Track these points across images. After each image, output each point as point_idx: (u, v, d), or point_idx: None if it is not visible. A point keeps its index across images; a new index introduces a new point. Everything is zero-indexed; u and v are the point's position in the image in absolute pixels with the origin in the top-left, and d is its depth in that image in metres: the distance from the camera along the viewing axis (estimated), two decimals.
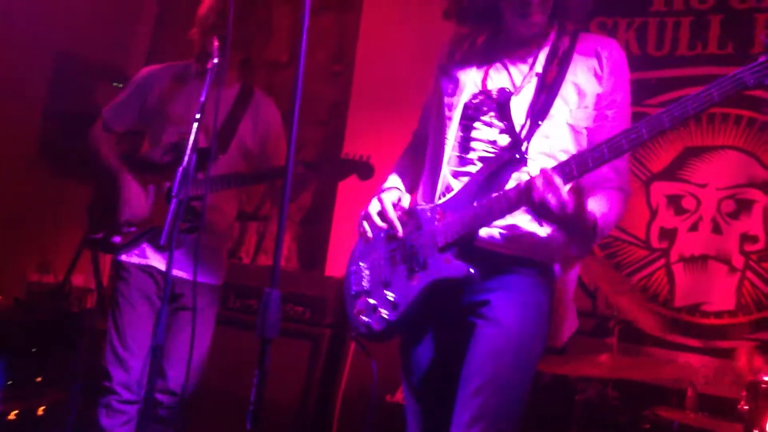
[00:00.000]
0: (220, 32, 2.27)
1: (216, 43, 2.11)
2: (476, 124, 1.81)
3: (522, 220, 1.76)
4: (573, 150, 1.77)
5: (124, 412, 2.51)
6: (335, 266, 3.93)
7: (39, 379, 3.42)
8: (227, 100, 2.66)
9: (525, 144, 1.73)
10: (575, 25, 1.85)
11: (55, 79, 4.18)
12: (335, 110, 4.22)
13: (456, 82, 1.87)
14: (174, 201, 1.79)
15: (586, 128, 1.78)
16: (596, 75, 1.78)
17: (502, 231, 1.77)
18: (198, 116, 1.94)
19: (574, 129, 1.78)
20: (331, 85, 4.24)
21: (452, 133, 1.83)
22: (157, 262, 2.57)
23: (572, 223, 1.61)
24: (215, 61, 2.07)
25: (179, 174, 1.83)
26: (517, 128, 1.76)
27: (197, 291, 2.26)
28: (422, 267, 1.75)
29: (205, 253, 2.63)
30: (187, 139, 2.47)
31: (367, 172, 2.65)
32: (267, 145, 2.75)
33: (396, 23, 4.15)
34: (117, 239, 2.50)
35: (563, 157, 1.69)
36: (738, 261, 3.21)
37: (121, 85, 3.35)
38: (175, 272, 2.44)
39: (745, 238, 3.24)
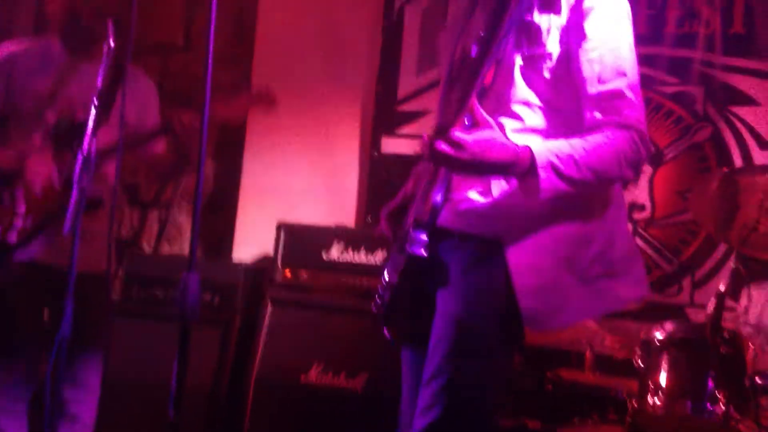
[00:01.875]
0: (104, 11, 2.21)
1: (110, 24, 2.04)
2: None
3: (471, 192, 1.63)
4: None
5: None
6: (243, 252, 3.89)
7: None
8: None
9: None
10: None
11: None
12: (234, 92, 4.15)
13: None
14: (76, 188, 1.72)
15: None
16: None
17: (455, 207, 1.64)
18: (96, 102, 1.86)
19: None
20: (230, 68, 4.17)
21: None
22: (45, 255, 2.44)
23: (483, 163, 1.42)
24: (111, 44, 2.00)
25: (79, 159, 1.75)
26: None
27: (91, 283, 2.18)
28: (408, 243, 1.60)
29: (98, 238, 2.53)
30: (71, 123, 2.38)
31: (269, 99, 2.56)
32: (145, 113, 2.66)
33: (294, 4, 4.12)
34: (12, 237, 2.37)
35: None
36: None
37: None
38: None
39: (634, 206, 3.46)
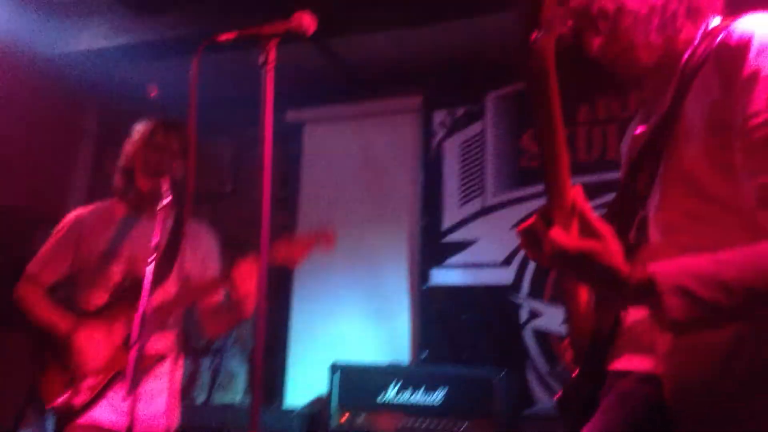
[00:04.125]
0: (159, 168, 2.31)
1: (167, 183, 2.13)
2: None
3: None
4: None
5: None
6: (295, 397, 3.79)
7: None
8: (164, 231, 2.61)
9: None
10: None
11: None
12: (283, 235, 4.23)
13: None
14: (135, 348, 1.71)
15: None
16: None
17: None
18: (152, 259, 1.90)
19: None
20: (277, 210, 4.27)
21: None
22: (107, 415, 2.41)
23: (584, 272, 1.10)
24: (166, 200, 2.07)
25: (138, 319, 1.76)
26: None
27: None
28: None
29: (160, 396, 2.50)
30: (134, 279, 2.42)
31: (328, 240, 2.54)
32: (206, 265, 2.69)
33: (335, 148, 4.27)
34: (78, 399, 2.35)
35: None
36: None
37: None
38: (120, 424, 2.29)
39: None
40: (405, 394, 3.15)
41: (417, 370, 3.31)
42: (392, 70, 4.08)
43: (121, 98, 4.42)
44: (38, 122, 4.32)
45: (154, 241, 2.13)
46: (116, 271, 2.52)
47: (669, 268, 1.06)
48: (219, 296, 2.59)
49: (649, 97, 1.33)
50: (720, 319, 1.08)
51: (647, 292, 1.04)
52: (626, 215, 1.26)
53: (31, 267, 2.60)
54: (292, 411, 3.50)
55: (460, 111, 4.07)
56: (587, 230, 1.11)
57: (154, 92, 4.23)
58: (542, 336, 3.57)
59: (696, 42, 1.24)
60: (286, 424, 3.35)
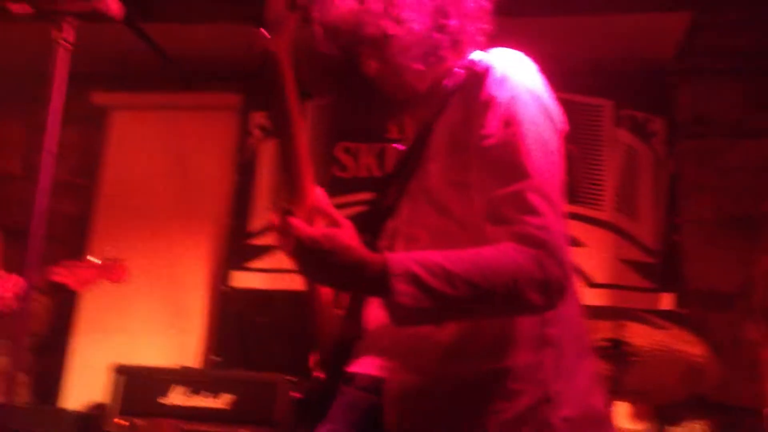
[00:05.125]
0: None
1: None
2: None
3: None
4: None
5: None
6: (72, 397, 3.55)
7: None
8: None
9: None
10: None
11: None
12: (76, 225, 3.98)
13: None
14: None
15: None
16: None
17: None
18: None
19: None
20: (72, 198, 4.00)
21: None
22: None
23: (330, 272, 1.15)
24: None
25: None
26: None
27: None
28: None
29: None
30: None
31: (118, 274, 2.45)
32: None
33: (144, 137, 4.08)
34: None
35: None
36: None
37: None
38: None
39: None
40: (190, 398, 3.07)
41: (205, 375, 3.23)
42: (212, 65, 3.97)
43: None
44: None
45: None
46: None
47: (401, 257, 1.13)
48: None
49: (417, 120, 1.42)
50: (446, 312, 1.14)
51: (381, 277, 1.09)
52: (374, 224, 1.33)
53: None
54: (67, 411, 3.28)
55: None
56: (330, 223, 1.24)
57: None
58: None
59: (456, 70, 1.34)
60: (58, 426, 3.13)
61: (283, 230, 1.20)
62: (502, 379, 1.17)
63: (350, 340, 1.31)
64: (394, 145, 1.50)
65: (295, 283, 3.97)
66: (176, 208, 3.91)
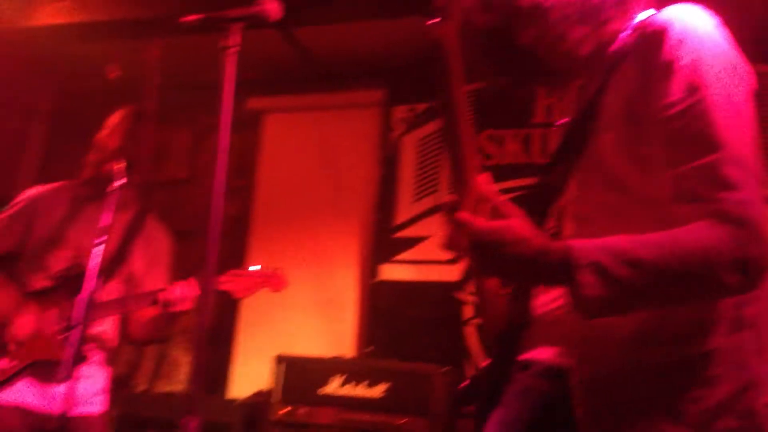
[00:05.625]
0: (124, 155, 2.29)
1: (122, 165, 2.10)
2: None
3: None
4: None
5: None
6: (239, 388, 3.77)
7: None
8: (120, 225, 2.57)
9: None
10: None
11: None
12: (236, 225, 4.20)
13: None
14: (75, 331, 1.68)
15: None
16: None
17: None
18: (100, 242, 1.87)
19: None
20: (232, 200, 4.23)
21: None
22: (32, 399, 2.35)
23: (512, 263, 1.08)
24: (119, 183, 2.04)
25: (80, 304, 1.72)
26: None
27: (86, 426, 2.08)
28: None
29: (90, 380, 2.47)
30: (81, 266, 2.38)
31: (278, 283, 2.58)
32: (151, 273, 2.65)
33: (294, 138, 4.26)
34: None
35: None
36: None
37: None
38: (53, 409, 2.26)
39: None
40: (347, 387, 3.16)
41: (360, 364, 3.31)
42: (356, 63, 4.07)
43: (78, 78, 4.33)
44: None
45: (103, 222, 2.09)
46: (62, 257, 2.46)
47: (585, 245, 1.04)
48: (151, 310, 2.48)
49: (581, 88, 1.32)
50: (635, 302, 1.06)
51: (562, 267, 1.03)
52: (540, 206, 1.25)
53: None
54: (233, 401, 3.47)
55: (422, 107, 4.10)
56: (496, 215, 1.12)
57: (113, 73, 4.16)
58: None
59: (623, 33, 1.23)
60: (227, 413, 3.32)
61: (454, 227, 1.16)
62: (699, 365, 1.09)
63: (518, 326, 1.25)
64: (558, 122, 1.38)
65: (441, 274, 3.96)
66: (325, 205, 4.04)
